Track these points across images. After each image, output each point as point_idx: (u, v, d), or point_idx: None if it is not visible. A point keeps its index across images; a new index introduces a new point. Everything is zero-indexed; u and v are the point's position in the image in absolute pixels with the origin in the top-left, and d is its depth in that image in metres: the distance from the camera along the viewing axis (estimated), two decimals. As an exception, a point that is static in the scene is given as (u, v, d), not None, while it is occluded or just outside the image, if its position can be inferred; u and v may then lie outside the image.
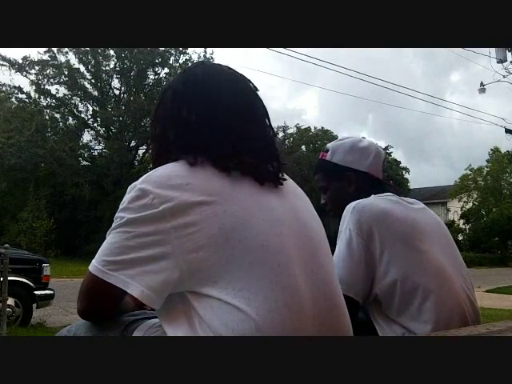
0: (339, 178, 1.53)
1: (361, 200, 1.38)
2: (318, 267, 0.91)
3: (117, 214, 0.86)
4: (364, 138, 1.61)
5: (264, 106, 1.01)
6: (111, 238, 0.85)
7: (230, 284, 0.80)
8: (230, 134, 0.92)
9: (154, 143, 1.00)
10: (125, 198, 0.86)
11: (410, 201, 1.46)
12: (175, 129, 0.95)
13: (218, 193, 0.84)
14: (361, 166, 1.52)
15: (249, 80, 1.01)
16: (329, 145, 1.60)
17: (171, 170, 0.86)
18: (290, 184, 1.00)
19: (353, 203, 1.37)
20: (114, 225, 0.86)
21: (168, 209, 0.81)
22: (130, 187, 0.87)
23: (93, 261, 0.87)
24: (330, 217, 1.58)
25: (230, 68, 1.02)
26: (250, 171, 0.90)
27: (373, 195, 1.42)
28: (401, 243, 1.31)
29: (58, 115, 23.19)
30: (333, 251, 1.27)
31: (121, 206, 0.86)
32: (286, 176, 0.99)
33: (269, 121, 1.00)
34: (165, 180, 0.84)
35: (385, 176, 1.60)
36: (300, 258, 0.88)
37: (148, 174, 0.87)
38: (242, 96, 0.97)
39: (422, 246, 1.33)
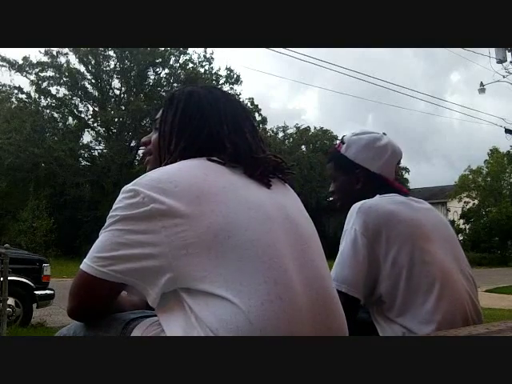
0: (348, 172, 1.53)
1: (366, 200, 1.38)
2: (309, 262, 0.92)
3: (109, 214, 0.89)
4: (385, 134, 1.57)
5: (251, 114, 1.10)
6: (103, 237, 0.88)
7: (221, 278, 0.82)
8: (221, 136, 0.99)
9: (153, 147, 1.07)
10: (117, 199, 0.89)
11: (417, 200, 1.46)
12: (170, 134, 1.02)
13: (206, 193, 0.87)
14: (372, 166, 1.50)
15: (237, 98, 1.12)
16: (346, 137, 1.57)
17: (161, 174, 0.90)
18: (280, 184, 1.02)
19: (358, 204, 1.37)
20: (106, 224, 0.89)
21: (157, 209, 0.84)
22: (122, 190, 0.90)
23: (84, 259, 0.89)
24: (330, 216, 1.58)
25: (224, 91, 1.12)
26: (240, 170, 0.95)
27: (378, 195, 1.42)
28: (406, 244, 1.31)
29: (57, 115, 23.21)
30: (328, 249, 1.27)
31: (113, 207, 0.89)
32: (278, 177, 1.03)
33: (256, 129, 1.08)
34: (155, 183, 0.87)
35: (398, 175, 1.58)
36: (290, 254, 0.89)
37: (139, 177, 0.90)
38: (235, 106, 1.06)
39: (426, 246, 1.33)
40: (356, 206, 1.36)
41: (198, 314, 0.82)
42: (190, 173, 0.90)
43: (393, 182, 1.52)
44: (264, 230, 0.88)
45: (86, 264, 0.87)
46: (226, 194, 0.88)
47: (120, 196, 0.89)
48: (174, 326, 0.85)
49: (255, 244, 0.85)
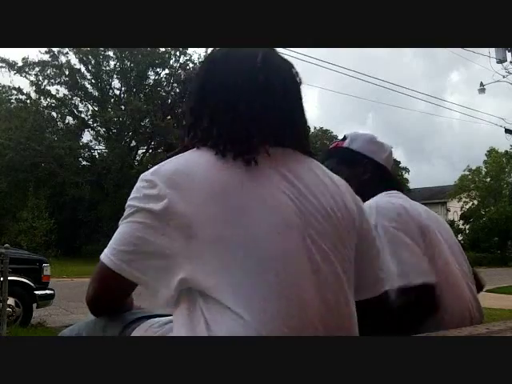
0: (355, 164, 1.52)
1: (376, 199, 1.37)
2: (327, 275, 0.86)
3: (127, 203, 0.86)
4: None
5: (294, 91, 0.96)
6: (123, 228, 0.85)
7: (230, 290, 0.78)
8: (248, 124, 0.89)
9: (180, 131, 1.01)
10: (135, 187, 0.87)
11: (413, 201, 1.47)
12: (197, 118, 0.94)
13: (222, 193, 0.82)
14: (378, 158, 1.52)
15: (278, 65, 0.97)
16: (347, 134, 1.59)
17: (179, 164, 0.86)
18: (318, 179, 0.93)
19: (370, 203, 1.34)
20: (125, 214, 0.86)
21: (171, 206, 0.81)
22: (141, 177, 0.87)
23: (105, 250, 0.87)
24: None
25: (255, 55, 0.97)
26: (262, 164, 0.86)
27: (384, 193, 1.42)
28: (419, 239, 1.31)
29: (57, 115, 23.22)
30: None
31: (131, 195, 0.87)
32: (322, 168, 0.97)
33: (300, 107, 0.97)
34: (171, 175, 0.83)
35: (398, 175, 1.62)
36: (308, 266, 0.84)
37: (158, 166, 0.87)
38: (268, 84, 0.92)
39: (433, 242, 1.33)
40: (371, 205, 1.32)
41: (207, 319, 0.79)
42: (207, 168, 0.84)
43: (394, 177, 1.56)
44: (281, 240, 0.82)
45: (108, 257, 0.85)
46: (244, 195, 0.83)
47: (138, 184, 0.86)
48: (181, 326, 0.83)
49: (270, 255, 0.80)
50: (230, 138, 0.87)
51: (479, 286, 1.50)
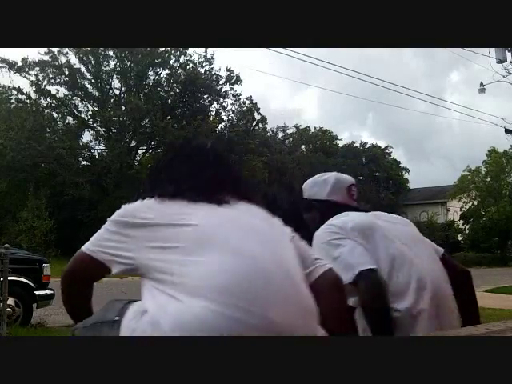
0: (309, 209, 1.86)
1: (322, 228, 1.63)
2: (272, 253, 1.09)
3: (109, 218, 1.23)
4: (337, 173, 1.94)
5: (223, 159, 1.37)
6: (100, 230, 1.23)
7: (174, 277, 1.02)
8: (192, 177, 1.26)
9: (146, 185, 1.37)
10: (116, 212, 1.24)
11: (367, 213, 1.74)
12: (155, 175, 1.37)
13: (171, 215, 1.15)
14: (320, 196, 1.83)
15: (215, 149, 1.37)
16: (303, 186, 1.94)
17: (143, 204, 1.22)
18: (245, 205, 1.25)
19: (318, 232, 1.61)
20: (106, 222, 1.23)
21: (136, 224, 1.17)
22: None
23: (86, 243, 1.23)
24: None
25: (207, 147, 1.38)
26: (205, 198, 1.20)
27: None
28: (358, 238, 1.55)
29: (57, 115, 23.22)
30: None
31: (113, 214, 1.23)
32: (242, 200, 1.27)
33: (228, 168, 1.36)
34: (138, 207, 1.21)
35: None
36: (256, 245, 1.08)
37: (129, 204, 1.24)
38: (207, 157, 1.33)
39: (381, 239, 1.57)
40: (317, 233, 1.59)
41: (154, 299, 1.03)
42: (162, 203, 1.20)
43: (344, 202, 1.81)
44: (223, 230, 1.10)
45: (85, 246, 1.22)
46: (188, 212, 1.14)
47: (118, 210, 1.24)
48: (146, 303, 1.06)
49: (213, 242, 1.06)
50: (202, 188, 1.23)
51: (459, 271, 1.71)
